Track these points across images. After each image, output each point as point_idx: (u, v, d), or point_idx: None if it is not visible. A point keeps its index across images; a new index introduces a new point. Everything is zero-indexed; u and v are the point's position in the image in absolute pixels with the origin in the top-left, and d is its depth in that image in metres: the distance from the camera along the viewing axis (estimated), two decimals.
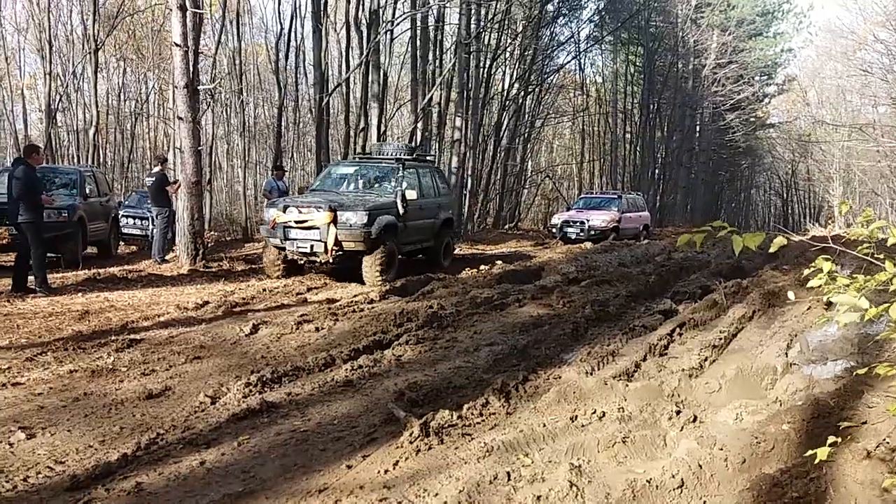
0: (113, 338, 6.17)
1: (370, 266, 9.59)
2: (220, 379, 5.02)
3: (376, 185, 11.20)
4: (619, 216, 19.23)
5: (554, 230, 19.76)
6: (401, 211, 10.07)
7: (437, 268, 11.10)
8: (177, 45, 10.35)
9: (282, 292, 9.00)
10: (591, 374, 4.95)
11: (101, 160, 23.64)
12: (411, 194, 10.37)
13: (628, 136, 37.06)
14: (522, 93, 26.96)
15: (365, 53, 17.33)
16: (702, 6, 32.99)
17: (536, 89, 28.72)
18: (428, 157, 13.55)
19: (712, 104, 34.92)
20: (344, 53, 18.76)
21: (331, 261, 9.74)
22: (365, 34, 17.68)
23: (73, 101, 24.75)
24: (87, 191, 12.54)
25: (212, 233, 17.29)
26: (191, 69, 10.60)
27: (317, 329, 6.68)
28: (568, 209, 21.81)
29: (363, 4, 17.80)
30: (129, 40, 26.88)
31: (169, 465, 3.49)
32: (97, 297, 8.59)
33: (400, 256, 10.48)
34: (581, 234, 18.43)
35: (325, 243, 9.50)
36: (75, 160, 23.72)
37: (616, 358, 5.42)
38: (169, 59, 24.86)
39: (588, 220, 18.65)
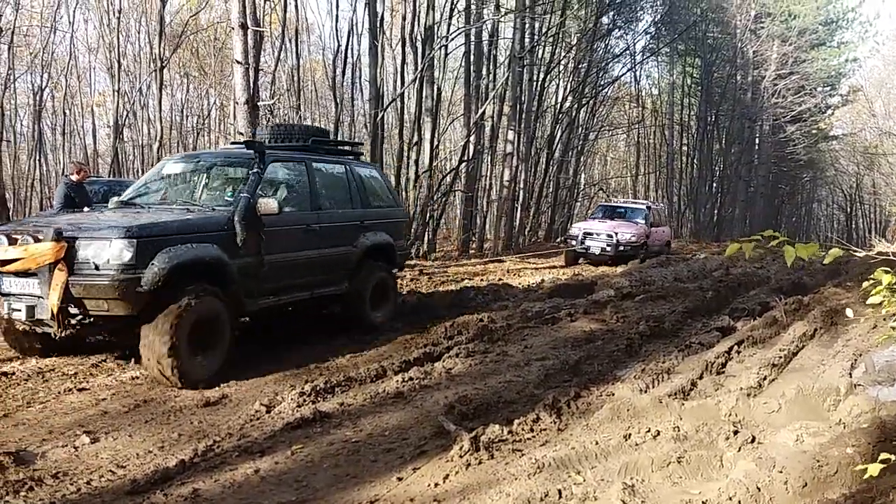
0: None
1: (153, 343, 4.98)
2: (275, 388, 5.13)
3: (226, 191, 6.40)
4: (648, 230, 16.47)
5: (571, 242, 16.35)
6: (239, 235, 5.56)
7: (361, 327, 7.13)
8: (238, 62, 10.67)
9: None
10: (646, 391, 4.86)
11: None
12: (269, 205, 5.81)
13: (685, 148, 36.37)
14: (576, 105, 26.78)
15: (419, 69, 17.51)
16: (761, 16, 32.24)
17: (590, 102, 28.48)
18: (346, 147, 8.39)
19: (772, 116, 33.99)
20: (399, 69, 18.98)
21: (63, 333, 5.16)
22: (420, 50, 17.87)
23: (139, 117, 25.76)
24: None
25: None
26: (251, 86, 10.90)
27: (368, 341, 6.76)
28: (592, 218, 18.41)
29: (419, 21, 18.00)
30: (192, 58, 27.83)
31: (224, 473, 3.58)
32: None
33: (245, 319, 6.49)
34: (608, 249, 15.38)
35: (51, 302, 4.95)
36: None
37: (671, 375, 5.31)
38: (230, 76, 25.66)
39: (617, 233, 15.56)
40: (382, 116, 18.11)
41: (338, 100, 18.55)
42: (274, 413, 4.55)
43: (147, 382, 5.20)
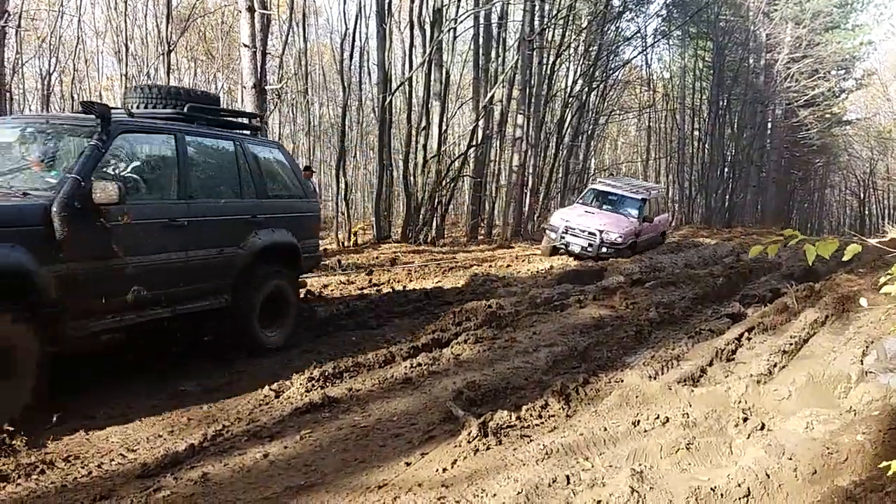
0: None
1: None
2: (283, 373, 5.14)
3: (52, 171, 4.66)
4: (639, 227, 14.37)
5: (551, 234, 14.23)
6: (58, 232, 4.07)
7: (246, 349, 5.64)
8: (245, 46, 10.62)
9: (343, 289, 9.14)
10: (655, 378, 4.84)
11: None
12: (107, 191, 4.30)
13: (696, 133, 36.09)
14: (586, 89, 26.56)
15: (428, 52, 17.40)
16: None
17: (601, 86, 28.24)
18: (234, 118, 6.54)
19: (785, 100, 33.65)
20: (407, 52, 18.89)
21: None
22: (428, 33, 17.74)
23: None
24: None
25: None
26: (259, 70, 10.85)
27: (376, 326, 6.78)
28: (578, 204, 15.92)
29: (427, 3, 17.87)
30: (199, 42, 27.78)
31: (234, 457, 3.60)
32: None
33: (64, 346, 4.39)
34: (588, 249, 13.38)
35: None
36: None
37: (681, 362, 5.29)
38: (237, 60, 25.59)
39: (602, 232, 13.40)
40: (390, 101, 18.04)
41: (345, 84, 18.46)
42: (283, 398, 4.56)
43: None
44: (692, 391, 4.44)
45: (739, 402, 4.27)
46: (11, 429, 3.66)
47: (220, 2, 25.76)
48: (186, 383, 4.83)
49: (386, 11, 17.99)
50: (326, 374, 4.94)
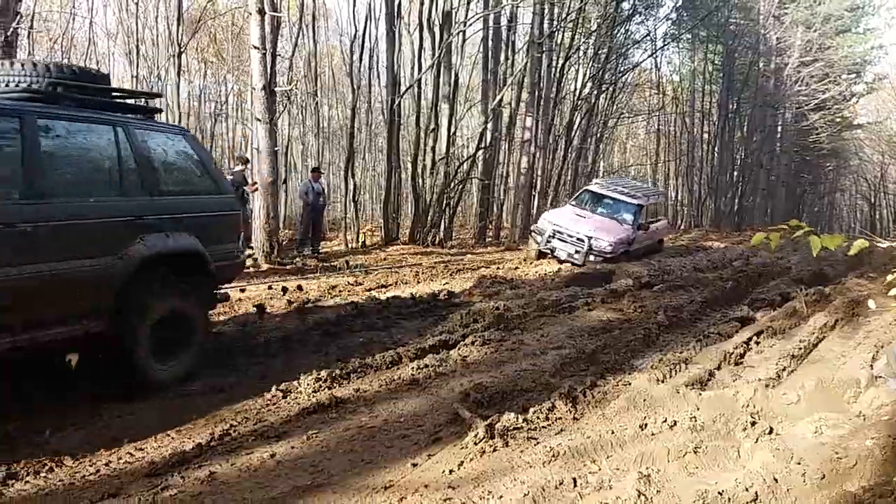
0: None
1: None
2: (290, 374, 5.15)
3: None
4: (633, 234, 13.32)
5: (537, 237, 13.21)
6: None
7: (130, 382, 4.61)
8: (255, 48, 10.67)
9: (352, 290, 9.15)
10: (663, 381, 4.82)
11: None
12: None
13: (706, 136, 35.95)
14: (595, 92, 26.52)
15: (437, 55, 17.43)
16: (785, 2, 31.68)
17: (610, 88, 28.20)
18: (125, 100, 5.52)
19: (795, 104, 33.46)
20: (416, 55, 18.92)
21: None
22: (437, 35, 17.77)
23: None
24: None
25: (285, 231, 17.74)
26: (268, 72, 10.90)
27: (384, 327, 6.78)
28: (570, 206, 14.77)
29: (436, 6, 17.89)
30: (210, 44, 27.92)
31: (241, 457, 3.61)
32: None
33: None
34: (575, 256, 12.35)
35: None
36: None
37: (689, 366, 5.27)
38: (247, 62, 25.69)
39: (591, 239, 12.37)
40: (399, 103, 18.06)
41: (355, 86, 18.49)
42: (290, 398, 4.57)
43: None
44: (700, 395, 4.42)
45: (748, 406, 4.25)
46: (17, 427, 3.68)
47: (231, 4, 25.87)
48: (194, 383, 4.85)
49: (395, 14, 18.03)
50: (334, 374, 4.94)
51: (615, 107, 30.37)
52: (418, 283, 9.89)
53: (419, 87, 18.75)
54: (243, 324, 6.75)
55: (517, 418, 4.02)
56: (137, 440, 3.82)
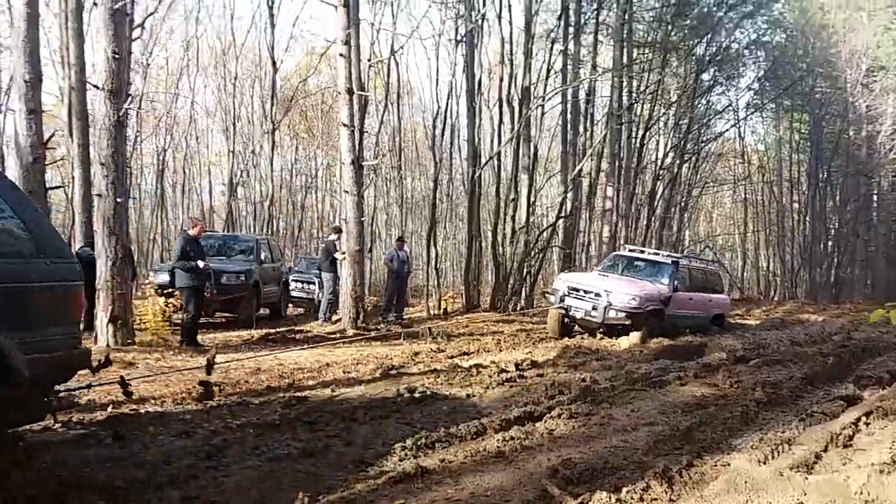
0: (280, 395, 6.55)
1: None
2: (377, 440, 5.15)
3: None
4: (666, 294, 11.72)
5: (551, 298, 12.18)
6: None
7: None
8: (344, 125, 11.21)
9: (434, 357, 9.16)
10: (765, 463, 4.54)
11: (274, 229, 25.71)
12: None
13: (795, 205, 34.74)
14: (678, 161, 26.27)
15: (516, 128, 17.78)
16: (873, 70, 30.75)
17: (693, 158, 27.88)
18: None
19: (891, 172, 31.99)
20: (496, 128, 19.35)
21: None
22: (516, 110, 18.17)
23: (251, 176, 27.34)
24: (262, 257, 13.68)
25: (371, 298, 18.08)
26: (356, 147, 11.40)
27: (468, 396, 6.72)
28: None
29: (515, 82, 18.37)
30: (301, 121, 29.46)
31: None
32: (268, 355, 9.20)
33: None
34: (593, 313, 11.05)
35: None
36: (252, 229, 25.99)
37: (792, 447, 4.94)
38: (336, 138, 26.91)
39: (608, 293, 11.04)
40: (480, 174, 18.40)
41: (437, 159, 19.02)
42: (376, 466, 4.56)
43: (255, 430, 5.36)
44: (806, 479, 4.13)
45: (860, 492, 3.93)
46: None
47: (321, 84, 27.38)
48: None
49: (476, 90, 18.62)
50: (419, 443, 4.92)
51: (699, 176, 29.91)
52: (500, 351, 9.81)
53: (499, 159, 19.09)
54: (328, 385, 6.82)
55: (609, 498, 3.85)
56: None
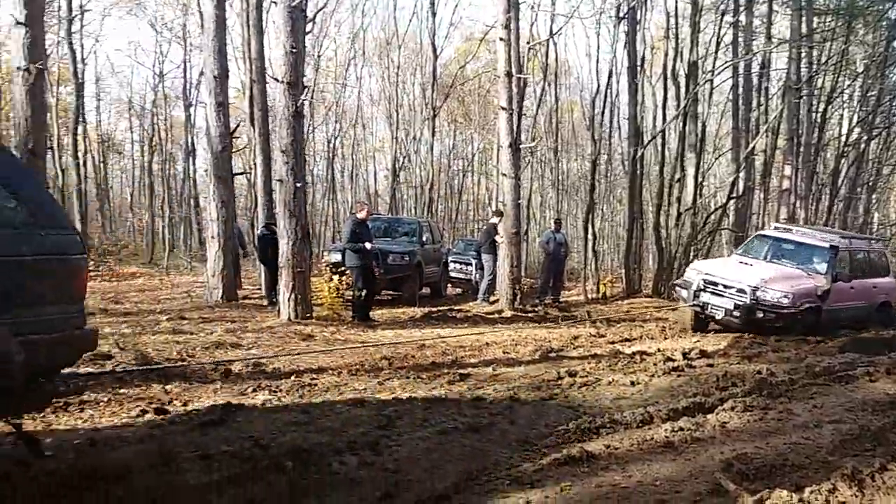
0: (445, 371, 6.80)
1: None
2: (540, 421, 5.20)
3: None
4: (824, 287, 10.00)
5: (682, 293, 10.57)
6: None
7: None
8: (503, 108, 11.28)
9: (594, 342, 9.05)
10: None
11: (434, 211, 26.49)
12: None
13: None
14: (865, 137, 23.76)
15: (682, 105, 16.96)
16: None
17: (883, 133, 25.08)
18: None
19: None
20: (660, 105, 18.58)
21: None
22: (682, 86, 17.31)
23: (413, 161, 28.30)
24: (424, 239, 14.17)
25: (526, 280, 18.16)
26: (514, 129, 11.44)
27: (632, 384, 6.58)
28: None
29: (681, 57, 17.50)
30: (459, 106, 29.98)
31: (496, 499, 3.69)
32: (431, 332, 9.56)
33: None
34: (735, 314, 9.55)
35: None
36: (413, 212, 26.97)
37: None
38: (493, 122, 27.11)
39: (757, 289, 9.52)
40: (642, 154, 17.78)
41: (595, 138, 18.59)
42: (540, 446, 4.61)
43: (422, 403, 5.62)
44: None
45: None
46: (309, 448, 4.13)
47: (479, 69, 27.65)
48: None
49: (638, 68, 17.94)
50: (583, 427, 4.91)
51: (889, 153, 26.89)
52: (665, 338, 9.49)
53: (663, 137, 18.35)
54: (489, 363, 6.95)
55: (791, 497, 3.63)
56: (402, 473, 4.09)
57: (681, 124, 17.62)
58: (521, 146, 12.40)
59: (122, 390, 5.68)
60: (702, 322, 10.22)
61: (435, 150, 26.64)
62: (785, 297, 9.42)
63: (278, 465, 3.94)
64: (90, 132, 28.67)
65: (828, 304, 10.03)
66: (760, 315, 9.33)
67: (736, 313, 9.44)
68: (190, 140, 30.11)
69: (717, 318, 9.81)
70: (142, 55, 68.29)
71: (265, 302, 12.09)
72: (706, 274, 10.08)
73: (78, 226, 18.79)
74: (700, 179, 18.16)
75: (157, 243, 28.44)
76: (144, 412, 5.15)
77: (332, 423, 5.08)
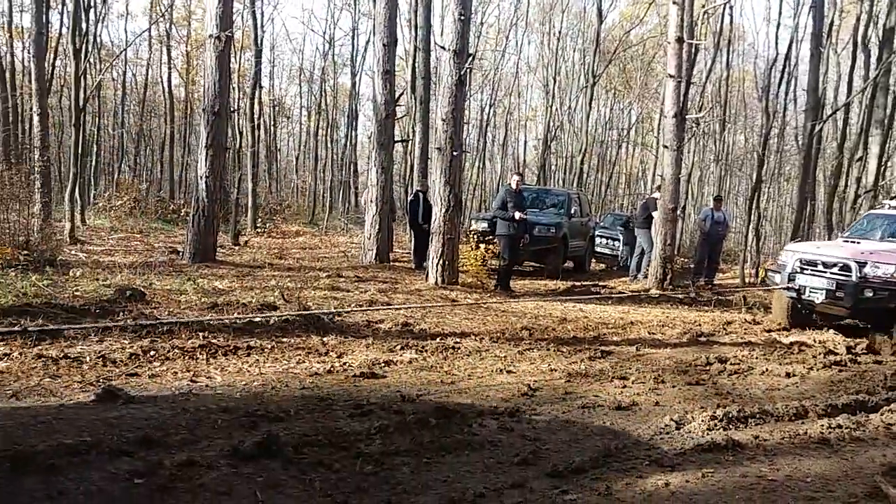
0: (586, 346, 6.78)
1: None
2: (683, 405, 5.09)
3: None
4: None
5: (775, 278, 9.17)
6: None
7: None
8: (670, 76, 10.79)
9: (748, 329, 8.60)
10: None
11: (584, 183, 26.02)
12: None
13: None
14: None
15: (873, 76, 15.33)
16: None
17: None
18: None
19: None
20: (845, 76, 16.92)
21: None
22: (874, 54, 15.64)
23: (565, 130, 27.83)
24: (572, 211, 13.99)
25: (680, 259, 17.46)
26: (681, 99, 10.92)
27: (787, 375, 6.24)
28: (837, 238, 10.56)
29: (875, 23, 15.77)
30: (619, 73, 28.97)
31: (635, 478, 3.69)
32: (573, 307, 9.52)
33: None
34: (839, 295, 8.19)
35: None
36: (562, 183, 26.63)
37: None
38: (653, 90, 25.96)
39: (863, 265, 8.07)
40: (820, 129, 16.36)
41: (768, 110, 17.29)
42: (683, 431, 4.51)
43: (563, 376, 5.66)
44: None
45: None
46: (453, 410, 4.33)
47: (644, 34, 26.50)
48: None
49: (824, 34, 16.40)
50: (730, 415, 4.74)
51: None
52: (827, 329, 8.81)
53: (846, 112, 16.74)
54: (632, 343, 6.84)
55: None
56: (541, 441, 4.19)
57: (868, 97, 15.97)
58: (686, 116, 11.82)
59: (283, 339, 6.21)
60: (801, 315, 8.79)
61: (590, 119, 26.04)
62: None
63: (423, 421, 4.17)
64: (263, 97, 30.81)
65: None
66: (870, 294, 7.77)
67: (839, 295, 8.00)
68: (354, 107, 31.51)
69: (817, 302, 8.31)
70: (314, 23, 72.16)
71: (413, 265, 12.56)
72: (803, 254, 8.75)
73: (249, 185, 20.37)
74: (885, 159, 16.43)
75: (318, 204, 30.25)
76: (302, 361, 5.61)
77: (474, 386, 5.27)
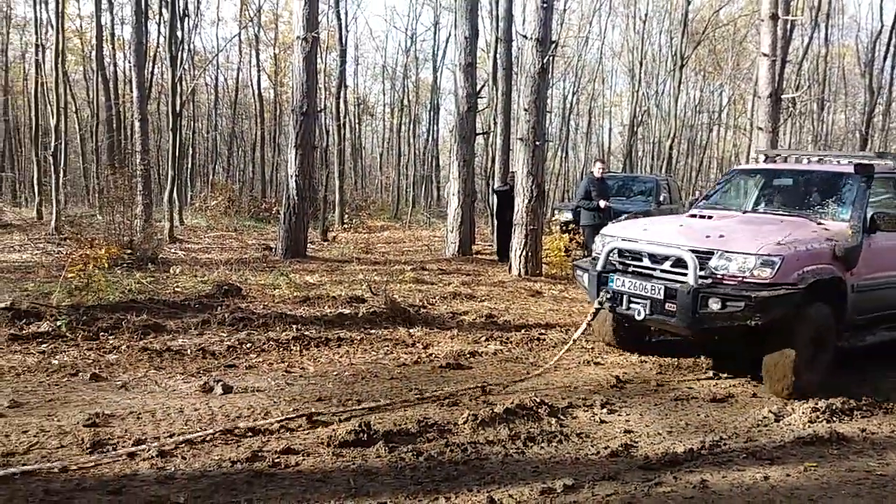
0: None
1: None
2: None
3: None
4: (853, 244, 5.12)
5: (582, 279, 5.97)
6: None
7: None
8: (765, 55, 10.28)
9: None
10: None
11: (673, 169, 25.23)
12: None
13: None
14: None
15: None
16: None
17: None
18: None
19: None
20: None
21: None
22: None
23: (652, 115, 27.02)
24: (661, 198, 13.59)
25: None
26: (776, 79, 10.40)
27: None
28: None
29: None
30: (709, 55, 27.87)
31: (731, 471, 3.57)
32: None
33: None
34: (669, 307, 5.00)
35: None
36: (650, 169, 25.91)
37: None
38: (746, 70, 24.85)
39: (709, 256, 5.00)
40: None
41: (873, 87, 16.23)
42: (783, 423, 4.34)
43: (655, 367, 5.54)
44: None
45: None
46: (540, 401, 4.32)
47: (735, 12, 25.38)
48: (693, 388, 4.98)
49: None
50: (834, 407, 4.53)
51: None
52: None
53: None
54: None
55: None
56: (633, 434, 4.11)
57: None
58: (781, 97, 11.24)
59: (372, 331, 6.34)
60: (632, 332, 6.06)
61: (679, 103, 25.18)
62: (765, 261, 4.79)
63: (511, 412, 4.17)
64: (348, 96, 31.44)
65: (859, 275, 5.28)
66: (717, 306, 4.78)
67: (670, 305, 5.01)
68: (435, 102, 31.71)
69: (639, 318, 5.25)
70: (396, 19, 73.03)
71: (496, 257, 12.53)
72: (622, 240, 5.70)
73: (336, 183, 20.86)
74: None
75: (401, 199, 30.65)
76: (390, 352, 5.71)
77: (563, 377, 5.23)
